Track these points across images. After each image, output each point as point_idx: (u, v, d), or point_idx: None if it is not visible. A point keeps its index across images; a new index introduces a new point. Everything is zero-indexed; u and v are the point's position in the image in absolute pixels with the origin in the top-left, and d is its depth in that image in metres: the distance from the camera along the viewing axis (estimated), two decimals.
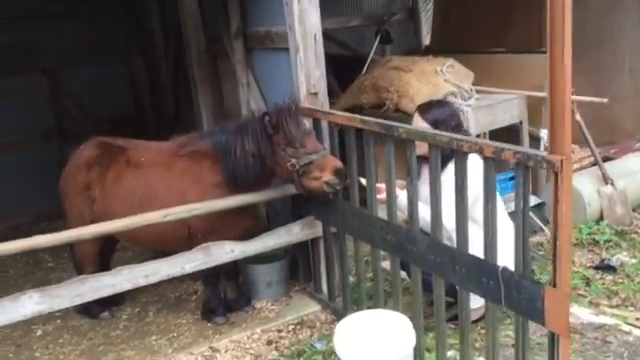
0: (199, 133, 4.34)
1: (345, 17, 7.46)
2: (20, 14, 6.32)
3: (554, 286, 2.51)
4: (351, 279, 4.13)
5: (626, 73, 6.10)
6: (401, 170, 3.36)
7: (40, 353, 4.09)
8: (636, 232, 4.98)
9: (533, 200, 5.07)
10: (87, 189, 4.08)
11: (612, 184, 5.09)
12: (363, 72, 5.68)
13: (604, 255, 4.63)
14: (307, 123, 3.82)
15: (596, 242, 4.82)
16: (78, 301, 3.54)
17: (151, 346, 4.05)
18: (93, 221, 3.90)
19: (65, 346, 4.15)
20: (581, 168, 5.41)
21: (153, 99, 7.39)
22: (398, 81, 4.94)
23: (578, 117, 4.96)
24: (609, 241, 4.81)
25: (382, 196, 3.56)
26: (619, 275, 4.34)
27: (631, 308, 3.92)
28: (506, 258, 2.78)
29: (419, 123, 3.65)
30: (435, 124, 3.58)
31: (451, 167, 3.02)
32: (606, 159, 5.50)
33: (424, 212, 3.28)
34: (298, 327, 4.11)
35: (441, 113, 3.67)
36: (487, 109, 4.85)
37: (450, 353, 3.37)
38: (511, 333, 3.22)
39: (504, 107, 4.94)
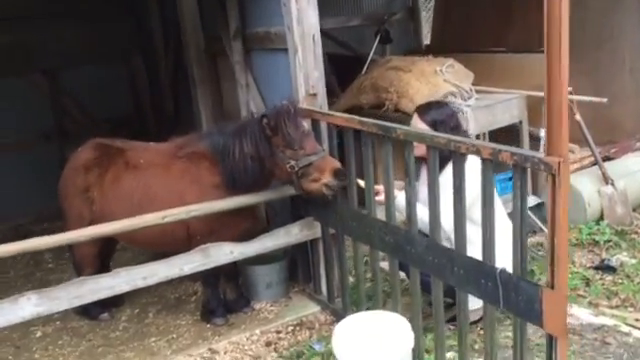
0: (198, 134, 4.33)
1: (345, 17, 7.46)
2: (20, 15, 6.33)
3: (552, 288, 2.51)
4: (350, 280, 4.13)
5: (626, 73, 6.09)
6: (400, 171, 3.35)
7: (39, 355, 4.09)
8: (636, 232, 4.97)
9: (533, 200, 5.08)
10: (86, 191, 4.08)
11: (612, 184, 5.08)
12: (363, 72, 5.68)
13: (604, 255, 4.62)
14: (306, 124, 3.81)
15: (596, 242, 4.81)
16: (77, 303, 3.54)
17: (150, 347, 4.05)
18: (92, 222, 3.91)
19: (64, 347, 4.15)
20: (581, 168, 5.40)
21: (153, 99, 7.40)
22: (398, 81, 4.93)
23: (578, 117, 4.95)
24: (609, 241, 4.80)
25: (380, 198, 3.55)
26: (619, 275, 4.33)
27: (631, 309, 3.91)
28: (506, 259, 2.78)
29: (418, 124, 3.65)
30: (434, 125, 3.58)
31: (449, 168, 3.02)
32: (606, 159, 5.49)
33: (422, 213, 3.28)
34: (297, 328, 4.10)
35: (440, 114, 3.67)
36: (487, 109, 4.84)
37: (449, 354, 3.37)
38: (511, 334, 3.21)
39: (504, 107, 4.94)
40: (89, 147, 4.25)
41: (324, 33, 4.06)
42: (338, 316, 3.95)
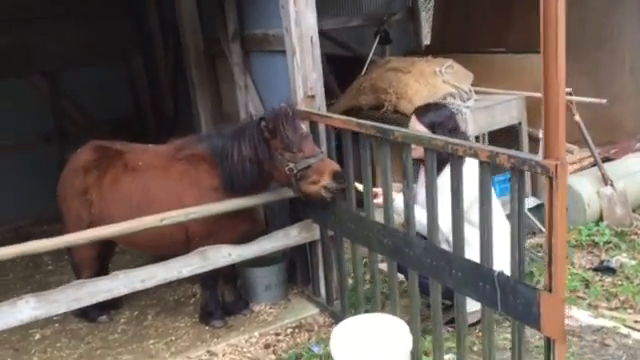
0: (197, 136, 4.33)
1: (345, 17, 7.46)
2: (20, 16, 6.33)
3: (549, 291, 2.50)
4: (349, 282, 4.12)
5: (626, 73, 6.08)
6: (398, 173, 3.35)
7: (38, 357, 4.09)
8: (636, 233, 4.95)
9: (533, 201, 5.06)
10: (85, 193, 4.08)
11: (612, 185, 5.07)
12: (362, 73, 5.67)
13: (603, 257, 4.61)
14: (304, 127, 3.80)
15: (596, 243, 4.79)
16: (75, 306, 3.53)
17: (149, 350, 4.05)
18: (91, 225, 3.92)
19: (63, 350, 4.15)
20: (581, 169, 5.39)
21: (152, 100, 7.40)
22: (397, 82, 4.93)
23: (578, 117, 4.93)
24: (609, 242, 4.78)
25: (378, 201, 3.54)
26: (618, 277, 4.31)
27: (630, 310, 3.90)
28: (504, 261, 2.77)
29: (416, 126, 3.64)
30: (432, 127, 3.57)
31: (447, 170, 3.01)
32: (606, 159, 5.48)
33: (421, 215, 3.27)
34: (296, 330, 4.10)
35: (438, 116, 3.66)
36: (486, 110, 4.83)
37: (447, 357, 3.36)
38: (509, 336, 3.20)
39: (503, 108, 4.93)
40: (88, 149, 4.25)
41: (323, 34, 4.05)
42: (337, 318, 3.94)
